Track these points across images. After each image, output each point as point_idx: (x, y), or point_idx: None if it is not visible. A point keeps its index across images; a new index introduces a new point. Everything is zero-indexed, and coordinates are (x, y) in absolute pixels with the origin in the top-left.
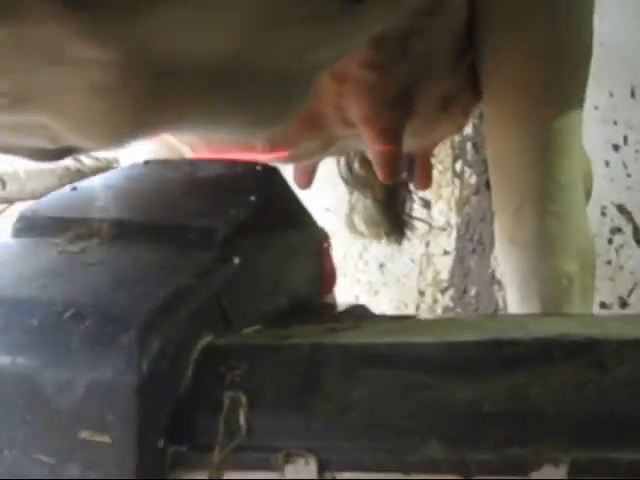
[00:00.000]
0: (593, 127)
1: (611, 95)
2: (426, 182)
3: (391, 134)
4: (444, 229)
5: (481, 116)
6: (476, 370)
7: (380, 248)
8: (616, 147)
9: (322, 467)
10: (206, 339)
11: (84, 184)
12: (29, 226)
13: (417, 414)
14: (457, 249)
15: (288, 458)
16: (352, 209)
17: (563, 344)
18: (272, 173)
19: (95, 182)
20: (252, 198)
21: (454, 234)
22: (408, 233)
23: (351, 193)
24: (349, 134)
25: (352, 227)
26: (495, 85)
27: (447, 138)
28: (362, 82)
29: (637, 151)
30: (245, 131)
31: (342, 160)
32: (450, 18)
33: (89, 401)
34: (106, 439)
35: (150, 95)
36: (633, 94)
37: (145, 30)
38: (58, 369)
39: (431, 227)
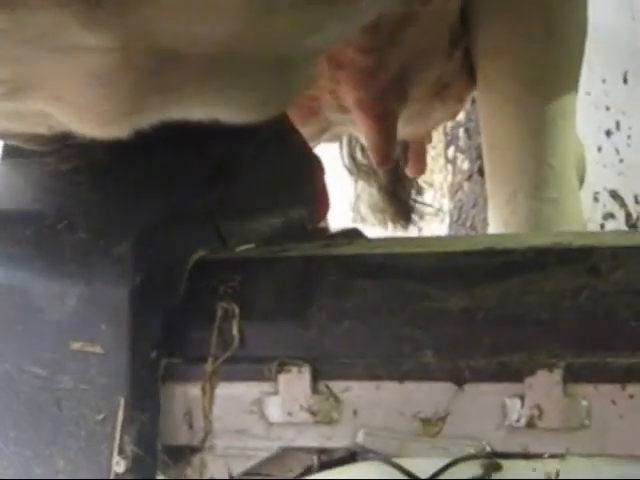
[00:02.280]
0: (586, 113)
1: (603, 81)
2: (420, 168)
3: (385, 119)
4: (437, 215)
5: (473, 102)
6: (470, 279)
7: (373, 234)
8: (608, 133)
9: (316, 376)
10: (199, 253)
11: None
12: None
13: (411, 323)
14: (450, 235)
15: (281, 367)
16: (358, 197)
17: (557, 251)
18: None
19: None
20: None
21: (447, 220)
22: (413, 218)
23: (356, 182)
24: (344, 120)
25: (358, 215)
26: (489, 70)
27: (441, 124)
28: (357, 67)
29: (629, 137)
30: (245, 116)
31: (345, 149)
32: (445, 5)
33: (81, 312)
34: (98, 350)
35: (149, 81)
36: (625, 80)
37: (144, 16)
38: (50, 280)
39: (437, 212)
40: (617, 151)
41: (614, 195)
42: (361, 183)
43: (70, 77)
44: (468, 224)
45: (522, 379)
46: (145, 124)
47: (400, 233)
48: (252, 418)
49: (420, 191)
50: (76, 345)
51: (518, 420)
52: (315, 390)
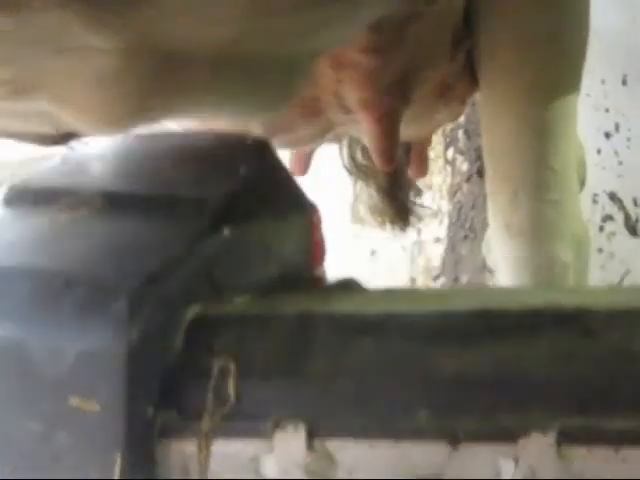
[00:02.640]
0: (585, 115)
1: (603, 82)
2: (422, 170)
3: (388, 120)
4: (436, 217)
5: (473, 103)
6: (465, 339)
7: (371, 236)
8: (608, 135)
9: (311, 433)
10: (195, 308)
11: (74, 154)
12: (19, 196)
13: (406, 382)
14: (448, 236)
15: (277, 425)
16: (356, 198)
17: (552, 313)
18: (263, 146)
19: (85, 153)
20: (242, 169)
21: (446, 222)
22: (413, 220)
23: (355, 183)
24: (347, 120)
25: (357, 216)
26: (491, 71)
27: (444, 126)
28: (360, 68)
29: (629, 139)
30: (247, 115)
31: (345, 150)
32: (448, 4)
33: (78, 369)
34: (95, 407)
35: (153, 82)
36: (625, 81)
37: (148, 17)
38: (48, 337)
39: (436, 214)
40: (616, 153)
41: (613, 197)
42: (360, 184)
43: (73, 78)
44: (467, 225)
45: (516, 440)
46: (149, 124)
47: (399, 234)
48: (248, 475)
49: (419, 193)
50: (74, 401)
51: None
52: (311, 448)
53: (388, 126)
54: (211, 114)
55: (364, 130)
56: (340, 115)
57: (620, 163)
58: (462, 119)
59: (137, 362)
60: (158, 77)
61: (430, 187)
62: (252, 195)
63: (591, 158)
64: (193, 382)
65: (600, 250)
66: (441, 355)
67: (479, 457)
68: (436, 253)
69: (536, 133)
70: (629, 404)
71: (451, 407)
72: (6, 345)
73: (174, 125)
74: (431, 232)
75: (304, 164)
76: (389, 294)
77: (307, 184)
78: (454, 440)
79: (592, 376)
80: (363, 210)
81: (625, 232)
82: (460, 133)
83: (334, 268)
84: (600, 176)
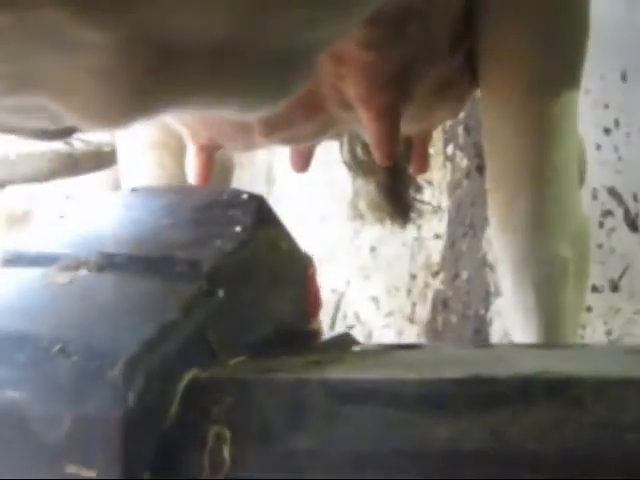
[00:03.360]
0: (584, 111)
1: (602, 78)
2: (423, 166)
3: (388, 116)
4: (435, 213)
5: (473, 99)
6: (455, 408)
7: (371, 232)
8: (607, 130)
9: None
10: (191, 372)
11: (72, 212)
12: (17, 257)
13: (398, 451)
14: (448, 233)
15: None
16: (356, 194)
17: (541, 382)
18: (258, 202)
19: (83, 211)
20: (237, 229)
21: (445, 218)
22: (412, 216)
23: (354, 179)
24: (347, 117)
25: (356, 212)
26: (492, 68)
27: (443, 122)
28: (360, 63)
29: (628, 134)
30: (245, 110)
31: (345, 146)
32: (446, 1)
33: (76, 435)
34: (92, 474)
35: (150, 77)
36: (624, 77)
37: (145, 13)
38: (45, 404)
39: (436, 210)
40: (616, 149)
41: (612, 193)
42: (360, 180)
43: (72, 74)
44: (467, 222)
45: None
46: (147, 119)
47: (398, 230)
48: None
49: (419, 189)
50: (71, 469)
51: None
52: None
53: (387, 122)
54: (209, 109)
55: (364, 126)
56: (340, 111)
57: (619, 159)
58: (462, 115)
59: (134, 428)
60: (155, 73)
61: (430, 183)
62: (247, 254)
63: (591, 154)
64: (189, 447)
65: (600, 246)
66: (433, 424)
67: None
68: (436, 249)
69: (537, 129)
70: (617, 474)
71: (441, 476)
72: (5, 411)
73: (184, 134)
74: (431, 228)
75: (304, 160)
76: (381, 354)
77: (308, 180)
78: None
79: (581, 447)
80: (363, 206)
81: (625, 227)
82: (460, 129)
83: (335, 265)
84: (600, 172)
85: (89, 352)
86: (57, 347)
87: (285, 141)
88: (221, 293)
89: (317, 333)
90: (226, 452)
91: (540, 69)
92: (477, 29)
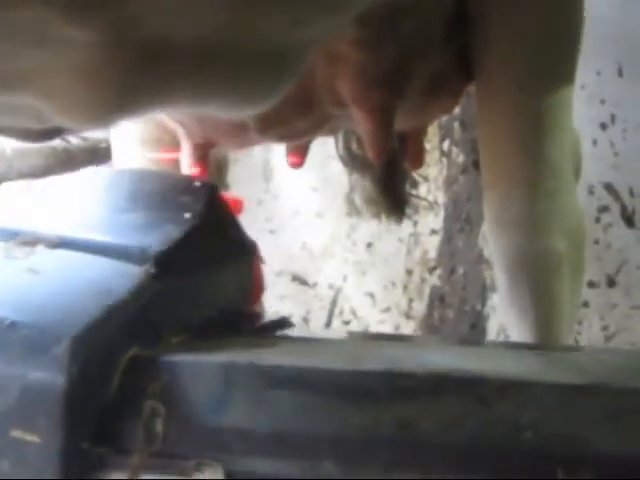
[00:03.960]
0: (580, 106)
1: (598, 74)
2: (418, 162)
3: (381, 114)
4: (432, 208)
5: (468, 95)
6: (372, 398)
7: (368, 228)
8: (603, 126)
9: (228, 477)
10: (133, 350)
11: (38, 189)
12: None
13: (317, 435)
14: (445, 228)
15: (198, 467)
16: (351, 189)
17: (452, 379)
18: (210, 190)
19: (47, 189)
20: (187, 215)
21: (442, 213)
22: (408, 212)
23: (350, 174)
24: (341, 114)
25: (352, 207)
26: (486, 64)
27: (437, 119)
28: (352, 62)
29: (624, 130)
30: (235, 108)
31: (340, 141)
32: None
33: (22, 403)
34: (35, 439)
35: (136, 76)
36: (620, 72)
37: (130, 10)
38: None
39: (432, 206)
40: (612, 144)
41: (609, 188)
42: (355, 175)
43: (56, 73)
44: (463, 217)
45: None
46: (133, 117)
47: (395, 226)
48: None
49: (415, 184)
50: (16, 433)
51: None
52: None
53: (381, 120)
54: (196, 107)
55: (358, 124)
56: (334, 109)
57: (616, 154)
58: (457, 111)
59: (75, 399)
60: (141, 71)
61: (426, 179)
62: (195, 240)
63: (587, 149)
64: (127, 420)
65: (596, 241)
66: (350, 412)
67: None
68: (432, 245)
69: (532, 125)
70: (513, 469)
71: (354, 461)
72: None
73: (178, 131)
74: (427, 224)
75: (300, 156)
76: (312, 345)
77: (305, 176)
78: None
79: (482, 442)
80: (358, 201)
81: (621, 223)
82: (456, 125)
83: (332, 261)
84: (596, 167)
85: (37, 328)
86: (8, 322)
87: (280, 138)
88: (167, 276)
89: (258, 316)
90: (159, 426)
91: (534, 64)
92: (471, 25)
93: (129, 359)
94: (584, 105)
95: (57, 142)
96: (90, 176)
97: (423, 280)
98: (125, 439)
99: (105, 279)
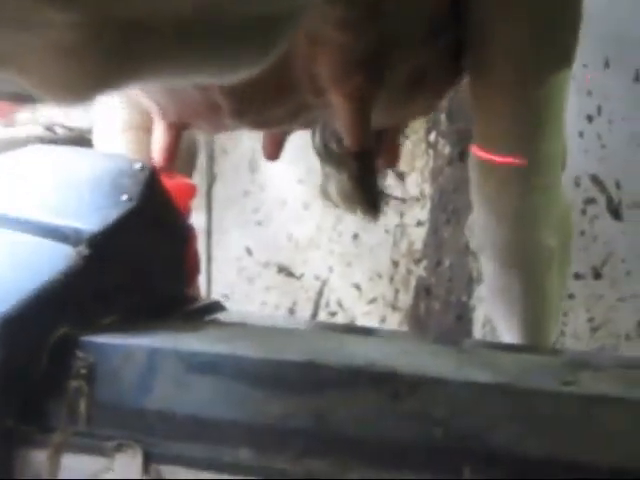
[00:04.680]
0: (567, 98)
1: (585, 66)
2: (393, 159)
3: (359, 99)
4: (418, 200)
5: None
6: (290, 388)
7: (354, 219)
8: (590, 118)
9: (147, 458)
10: (62, 330)
11: None
12: None
13: (234, 421)
14: (431, 220)
15: (118, 448)
16: (326, 178)
17: (369, 374)
18: (148, 172)
19: None
20: (124, 197)
21: (428, 205)
22: (383, 208)
23: (323, 167)
24: (318, 103)
25: (326, 196)
26: (480, 56)
27: (419, 117)
28: (334, 44)
29: (611, 122)
30: (219, 78)
31: (317, 136)
32: None
33: None
34: None
35: (115, 52)
36: (607, 64)
37: None
38: None
39: (405, 202)
40: (599, 136)
41: (595, 180)
42: (329, 169)
43: (39, 52)
44: (449, 208)
45: None
46: (117, 91)
47: (381, 218)
48: None
49: (401, 176)
50: None
51: None
52: (146, 471)
53: (359, 105)
54: (181, 79)
55: (336, 110)
56: (312, 97)
57: (602, 146)
58: (444, 102)
59: (3, 378)
60: (121, 48)
61: (412, 170)
62: (130, 223)
63: (573, 141)
64: (52, 399)
65: (582, 233)
66: (267, 400)
67: None
68: (418, 236)
69: (526, 116)
70: (421, 464)
71: (269, 448)
72: None
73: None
74: (413, 216)
75: (276, 148)
76: (238, 331)
77: (291, 167)
78: (269, 478)
79: (393, 435)
80: (333, 194)
81: (607, 215)
82: (442, 117)
83: (318, 252)
84: (582, 159)
85: None
86: None
87: (254, 125)
88: (100, 258)
89: (192, 299)
90: (83, 406)
91: (531, 54)
92: (464, 15)
93: (57, 339)
94: (571, 97)
95: (43, 132)
96: (29, 154)
97: (409, 271)
98: (49, 418)
99: (37, 259)
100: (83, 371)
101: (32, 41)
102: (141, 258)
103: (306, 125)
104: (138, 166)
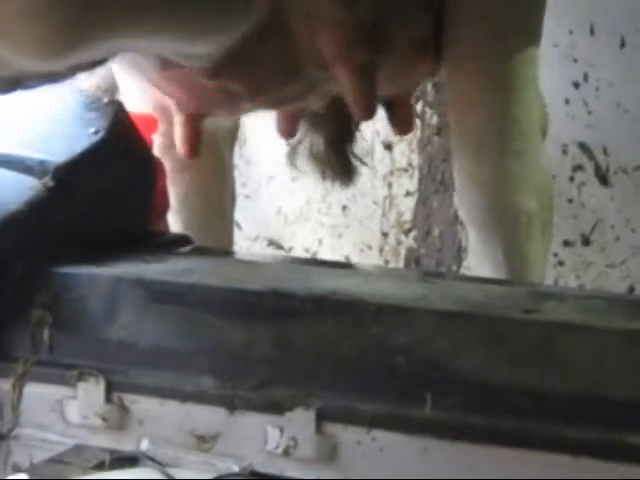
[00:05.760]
0: (553, 65)
1: (570, 32)
2: (407, 127)
3: (364, 71)
4: (406, 170)
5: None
6: (253, 316)
7: (343, 191)
8: (576, 85)
9: (109, 387)
10: (26, 261)
11: None
12: None
13: (196, 350)
14: (420, 190)
15: (81, 376)
16: (299, 142)
17: (332, 302)
18: (116, 107)
19: None
20: (91, 130)
21: (416, 175)
22: (354, 174)
23: (302, 127)
24: (325, 77)
25: (292, 158)
26: (455, 25)
27: (422, 83)
28: (333, 20)
29: (597, 88)
30: (186, 45)
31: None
32: None
33: None
34: None
35: (80, 15)
36: (592, 31)
37: None
38: None
39: (407, 168)
40: (585, 103)
41: (583, 147)
42: (305, 130)
43: (8, 12)
44: (438, 178)
45: (283, 413)
46: (87, 57)
47: (370, 189)
48: (53, 416)
49: (390, 147)
50: None
51: (277, 447)
52: (108, 400)
53: (363, 77)
54: (154, 46)
55: (341, 82)
56: (317, 72)
57: (589, 113)
58: None
59: None
60: (85, 10)
61: (400, 141)
62: (97, 156)
63: (560, 108)
64: (14, 328)
65: (570, 200)
66: (230, 329)
67: (251, 424)
68: (407, 207)
69: (499, 85)
70: (381, 392)
71: (232, 376)
72: None
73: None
74: (402, 186)
75: (291, 126)
76: (203, 262)
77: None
78: (231, 406)
79: (356, 362)
80: (304, 156)
81: (595, 182)
82: (429, 86)
83: (307, 224)
84: (569, 126)
85: None
86: None
87: (270, 105)
88: (65, 189)
89: (160, 232)
90: (46, 335)
91: (500, 26)
92: None
93: (21, 269)
94: (557, 64)
95: None
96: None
97: (399, 242)
98: (13, 347)
99: (2, 191)
100: (46, 300)
101: (3, 3)
102: (108, 191)
103: (320, 99)
104: (105, 100)
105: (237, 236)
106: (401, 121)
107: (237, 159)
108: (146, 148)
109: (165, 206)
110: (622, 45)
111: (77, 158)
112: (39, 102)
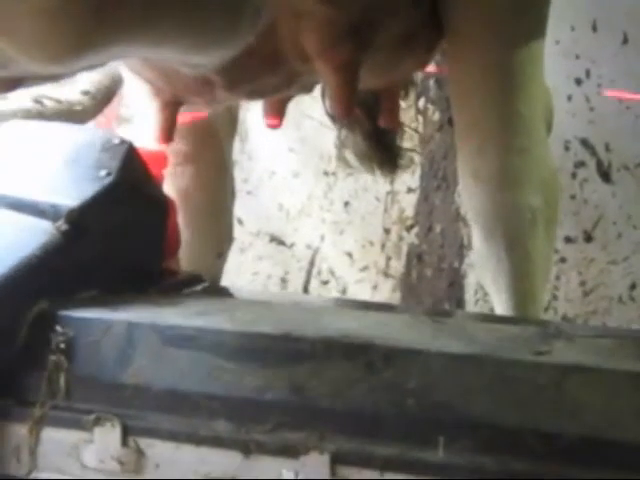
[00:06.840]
0: (555, 61)
1: (572, 29)
2: (392, 119)
3: (346, 69)
4: (408, 167)
5: (443, 53)
6: (264, 360)
7: (345, 187)
8: (578, 81)
9: (126, 431)
10: (41, 305)
11: None
12: None
13: (211, 394)
14: (421, 186)
15: (97, 421)
16: (342, 145)
17: (342, 345)
18: (127, 147)
19: None
20: (102, 173)
21: (418, 171)
22: (400, 162)
23: (339, 130)
24: (307, 69)
25: (345, 163)
26: (457, 19)
27: (411, 75)
28: (318, 17)
29: (599, 85)
30: (194, 55)
31: (327, 100)
32: None
33: None
34: None
35: (90, 19)
36: (595, 28)
37: None
38: None
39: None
40: (587, 99)
41: (585, 144)
42: (344, 132)
43: (17, 14)
44: (440, 175)
45: (298, 457)
46: (94, 62)
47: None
48: (70, 460)
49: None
50: None
51: None
52: (124, 443)
53: (346, 75)
54: (159, 52)
55: (323, 78)
56: (301, 64)
57: (591, 109)
58: (432, 68)
59: None
60: (95, 14)
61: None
62: (109, 198)
63: (562, 105)
64: (31, 373)
65: (573, 197)
66: (243, 372)
67: (266, 467)
68: (409, 203)
69: (503, 79)
70: (394, 435)
71: (246, 420)
72: None
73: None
74: (404, 182)
75: (277, 116)
76: (216, 304)
77: (281, 136)
78: (246, 450)
79: (367, 406)
80: (350, 156)
81: (597, 178)
82: (431, 82)
83: (309, 220)
84: (571, 123)
85: None
86: None
87: (249, 95)
88: (78, 233)
89: (173, 272)
90: (62, 380)
91: (505, 20)
92: None
93: (36, 314)
94: (559, 61)
95: (31, 105)
96: (9, 131)
97: (401, 238)
98: (29, 392)
99: (16, 234)
100: (62, 345)
101: (13, 6)
102: (120, 232)
103: (303, 90)
104: (116, 140)
105: (239, 232)
106: (387, 114)
107: (239, 155)
108: (157, 187)
109: (177, 244)
110: (624, 42)
111: (89, 201)
112: (49, 143)
